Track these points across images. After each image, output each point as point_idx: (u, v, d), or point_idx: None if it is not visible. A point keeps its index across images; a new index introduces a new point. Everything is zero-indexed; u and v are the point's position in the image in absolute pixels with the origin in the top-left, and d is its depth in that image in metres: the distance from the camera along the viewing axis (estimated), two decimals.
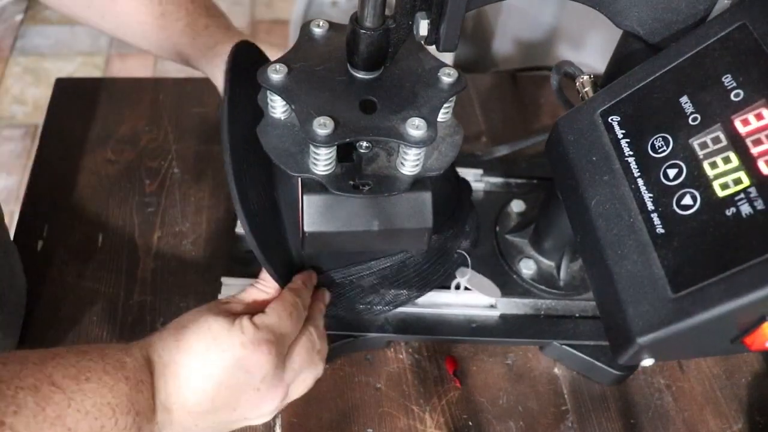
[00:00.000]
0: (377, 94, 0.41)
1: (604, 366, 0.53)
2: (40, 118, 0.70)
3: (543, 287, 0.56)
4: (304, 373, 0.43)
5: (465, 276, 0.54)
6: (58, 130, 0.69)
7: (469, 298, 0.55)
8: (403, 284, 0.51)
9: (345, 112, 0.40)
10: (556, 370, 0.56)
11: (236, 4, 2.00)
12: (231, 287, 0.54)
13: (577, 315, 0.56)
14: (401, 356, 0.55)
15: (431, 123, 0.40)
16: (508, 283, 0.57)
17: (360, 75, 0.42)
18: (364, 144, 0.43)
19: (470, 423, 0.52)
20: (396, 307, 0.52)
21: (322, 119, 0.38)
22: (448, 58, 1.17)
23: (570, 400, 0.54)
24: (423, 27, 0.38)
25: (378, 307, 0.51)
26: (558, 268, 0.57)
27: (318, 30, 0.44)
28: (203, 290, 0.58)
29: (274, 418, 0.51)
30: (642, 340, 0.34)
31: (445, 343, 0.56)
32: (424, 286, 0.52)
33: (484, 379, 0.54)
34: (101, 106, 0.72)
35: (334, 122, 0.39)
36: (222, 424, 0.41)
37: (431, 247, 0.51)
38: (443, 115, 0.44)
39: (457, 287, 0.55)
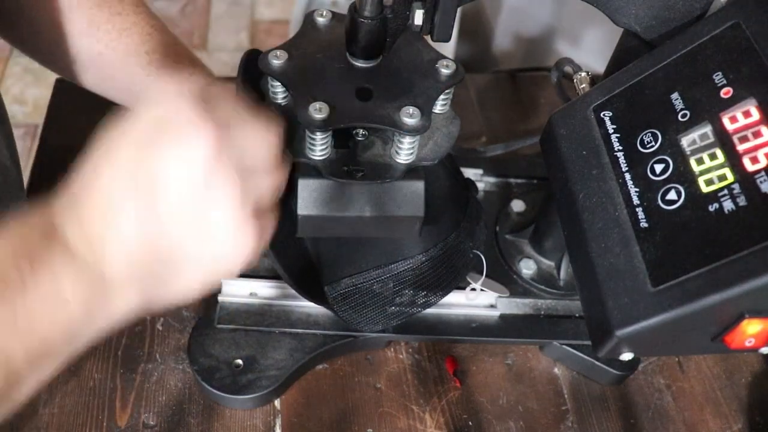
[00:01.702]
0: (374, 82, 0.42)
1: (604, 366, 0.53)
2: (40, 118, 0.70)
3: (543, 287, 0.56)
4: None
5: (478, 281, 0.54)
6: (58, 130, 0.69)
7: (470, 298, 0.55)
8: (422, 288, 0.51)
9: (341, 99, 0.40)
10: (556, 370, 0.56)
11: (236, 4, 2.01)
12: (231, 287, 0.54)
13: (577, 315, 0.56)
14: (401, 356, 0.55)
15: (425, 112, 0.40)
16: (508, 283, 0.57)
17: (358, 63, 0.42)
18: (361, 131, 0.43)
19: (470, 423, 0.52)
20: (415, 312, 0.52)
21: (317, 104, 0.39)
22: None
23: (570, 400, 0.54)
24: (418, 16, 0.39)
25: (399, 312, 0.51)
26: (558, 268, 0.57)
27: (321, 19, 0.45)
28: None
29: (274, 418, 0.51)
30: (620, 332, 0.34)
31: (445, 343, 0.56)
32: (443, 288, 0.52)
33: (484, 379, 0.54)
34: (101, 106, 0.72)
35: (330, 108, 0.39)
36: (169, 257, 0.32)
37: (448, 247, 0.51)
38: (441, 106, 0.45)
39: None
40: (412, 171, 0.44)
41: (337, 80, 0.42)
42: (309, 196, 0.44)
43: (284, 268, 0.46)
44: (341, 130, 0.41)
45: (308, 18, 0.45)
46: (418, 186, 0.45)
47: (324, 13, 0.45)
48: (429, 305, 0.52)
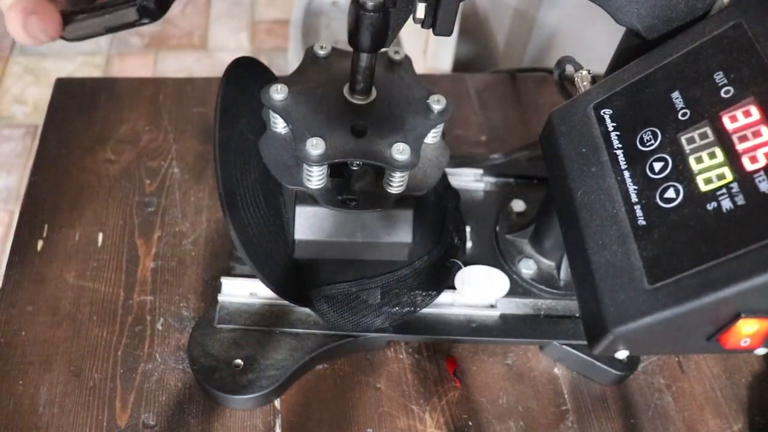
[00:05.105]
0: (368, 119, 0.45)
1: (604, 366, 0.53)
2: (40, 118, 0.70)
3: (543, 287, 0.56)
4: None
5: (463, 285, 0.54)
6: (58, 130, 0.69)
7: (469, 298, 0.55)
8: (406, 297, 0.52)
9: (336, 135, 0.43)
10: (556, 370, 0.56)
11: (236, 4, 2.01)
12: (231, 287, 0.54)
13: (577, 315, 0.56)
14: (401, 356, 0.55)
15: (414, 149, 0.43)
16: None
17: (354, 100, 0.45)
18: (355, 162, 0.46)
19: (470, 423, 0.52)
20: (396, 321, 0.52)
21: (314, 140, 0.42)
22: (448, 57, 1.17)
23: (570, 400, 0.54)
24: (420, 10, 0.40)
25: (378, 321, 0.52)
26: (558, 268, 0.57)
27: (321, 53, 0.48)
28: (203, 290, 0.58)
29: (274, 418, 0.51)
30: (616, 330, 0.34)
31: (445, 343, 0.56)
32: (427, 297, 0.53)
33: (484, 379, 0.54)
34: (101, 106, 0.72)
35: (325, 143, 0.42)
36: None
37: (432, 260, 0.53)
38: (432, 138, 0.47)
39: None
40: (401, 199, 0.47)
41: (333, 116, 0.44)
42: (305, 223, 0.48)
43: (262, 270, 0.47)
44: (334, 163, 0.44)
45: (309, 52, 0.48)
46: (407, 214, 0.49)
47: (324, 45, 0.48)
48: (413, 313, 0.53)
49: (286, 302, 0.53)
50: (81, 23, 0.36)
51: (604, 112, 0.41)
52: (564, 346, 0.54)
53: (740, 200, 0.32)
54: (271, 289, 0.48)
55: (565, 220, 0.41)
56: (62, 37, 0.36)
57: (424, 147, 0.47)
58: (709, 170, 0.34)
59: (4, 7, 0.35)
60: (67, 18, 0.35)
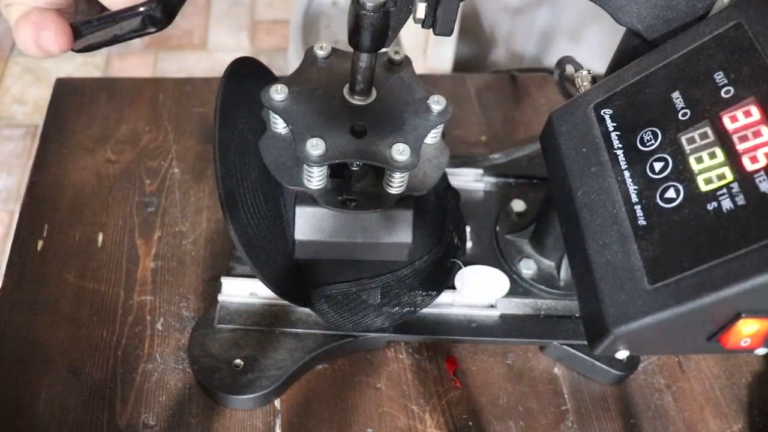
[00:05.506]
0: (368, 119, 0.45)
1: (604, 366, 0.53)
2: (40, 118, 0.70)
3: (543, 287, 0.56)
4: None
5: (463, 285, 0.54)
6: (58, 130, 0.69)
7: (469, 298, 0.55)
8: (406, 297, 0.52)
9: (336, 135, 0.44)
10: (556, 370, 0.56)
11: (236, 4, 2.00)
12: (231, 287, 0.54)
13: (577, 315, 0.56)
14: (401, 356, 0.55)
15: (414, 150, 0.43)
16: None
17: (354, 101, 0.45)
18: (356, 163, 0.46)
19: (470, 423, 0.52)
20: (396, 321, 0.52)
21: (314, 141, 0.42)
22: (448, 57, 1.17)
23: (570, 400, 0.54)
24: (420, 10, 0.40)
25: (378, 321, 0.52)
26: (558, 268, 0.57)
27: (321, 53, 0.48)
28: (203, 290, 0.58)
29: (274, 418, 0.51)
30: (616, 330, 0.34)
31: (445, 343, 0.56)
32: (427, 297, 0.53)
33: (484, 379, 0.54)
34: (101, 106, 0.72)
35: (325, 144, 0.42)
36: None
37: (432, 259, 0.53)
38: (431, 138, 0.48)
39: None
40: (401, 200, 0.47)
41: (333, 117, 0.44)
42: (305, 223, 0.48)
43: (262, 270, 0.47)
44: (334, 164, 0.44)
45: (309, 53, 0.48)
46: (407, 215, 0.49)
47: (323, 46, 0.48)
48: (413, 313, 0.53)
49: (286, 302, 0.53)
50: (90, 35, 0.36)
51: (604, 112, 0.41)
52: (564, 346, 0.54)
53: (740, 200, 0.32)
54: (271, 289, 0.48)
55: (565, 220, 0.41)
56: (72, 49, 0.36)
57: (423, 147, 0.47)
58: (710, 170, 0.34)
59: (11, 19, 0.34)
60: (77, 30, 0.35)
